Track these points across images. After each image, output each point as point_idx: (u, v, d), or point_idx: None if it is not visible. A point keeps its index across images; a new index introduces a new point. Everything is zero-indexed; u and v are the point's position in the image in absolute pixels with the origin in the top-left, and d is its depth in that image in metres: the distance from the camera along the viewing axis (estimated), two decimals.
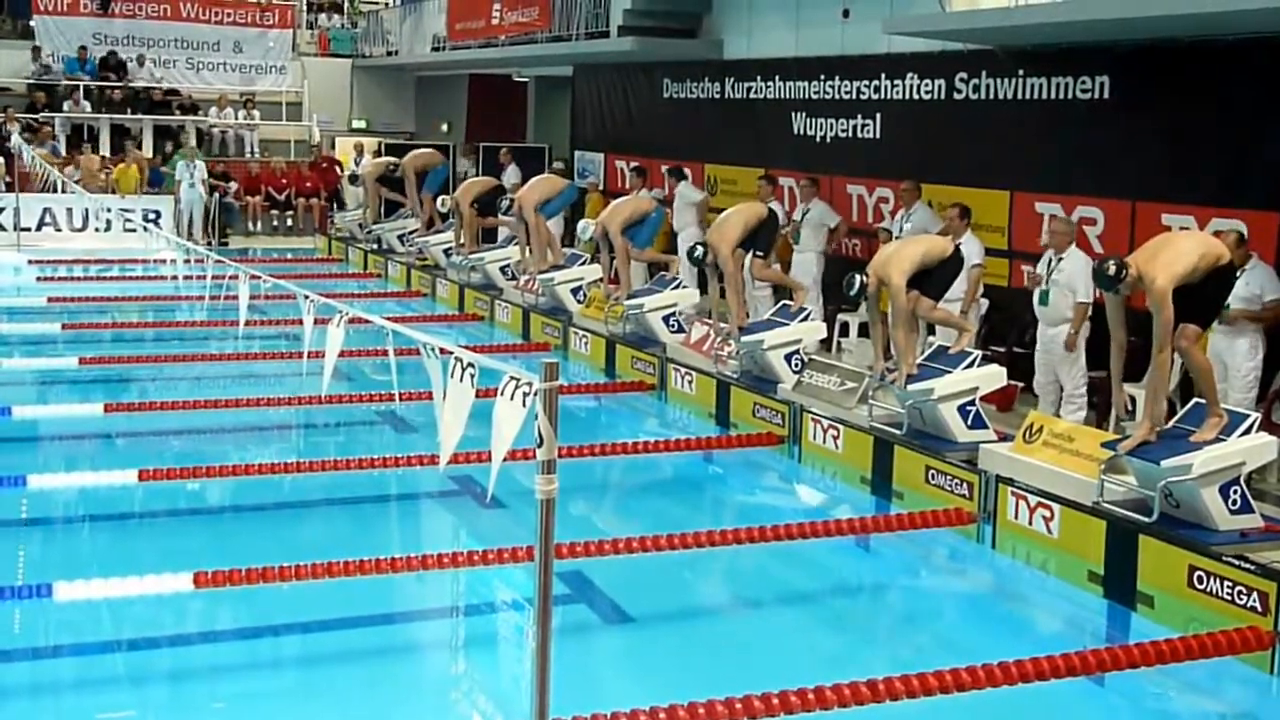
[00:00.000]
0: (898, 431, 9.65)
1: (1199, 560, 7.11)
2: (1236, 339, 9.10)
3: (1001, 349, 11.61)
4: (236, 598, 6.95)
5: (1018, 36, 11.76)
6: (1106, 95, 11.48)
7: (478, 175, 21.37)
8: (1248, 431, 7.78)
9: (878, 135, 14.31)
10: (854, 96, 14.59)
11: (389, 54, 27.67)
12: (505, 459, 4.46)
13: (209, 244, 20.86)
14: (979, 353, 9.92)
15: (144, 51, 26.69)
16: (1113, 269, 7.75)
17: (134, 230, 17.98)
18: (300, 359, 9.18)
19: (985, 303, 11.92)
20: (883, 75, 14.10)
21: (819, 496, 10.13)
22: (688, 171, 16.57)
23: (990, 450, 9.07)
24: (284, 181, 24.94)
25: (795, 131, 15.56)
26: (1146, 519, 7.64)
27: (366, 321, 7.07)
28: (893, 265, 9.75)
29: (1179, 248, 7.88)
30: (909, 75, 13.75)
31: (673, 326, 13.21)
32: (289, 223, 24.95)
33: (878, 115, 14.28)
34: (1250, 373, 9.02)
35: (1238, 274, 8.89)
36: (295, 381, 11.56)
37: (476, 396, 4.76)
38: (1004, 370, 9.96)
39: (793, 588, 8.26)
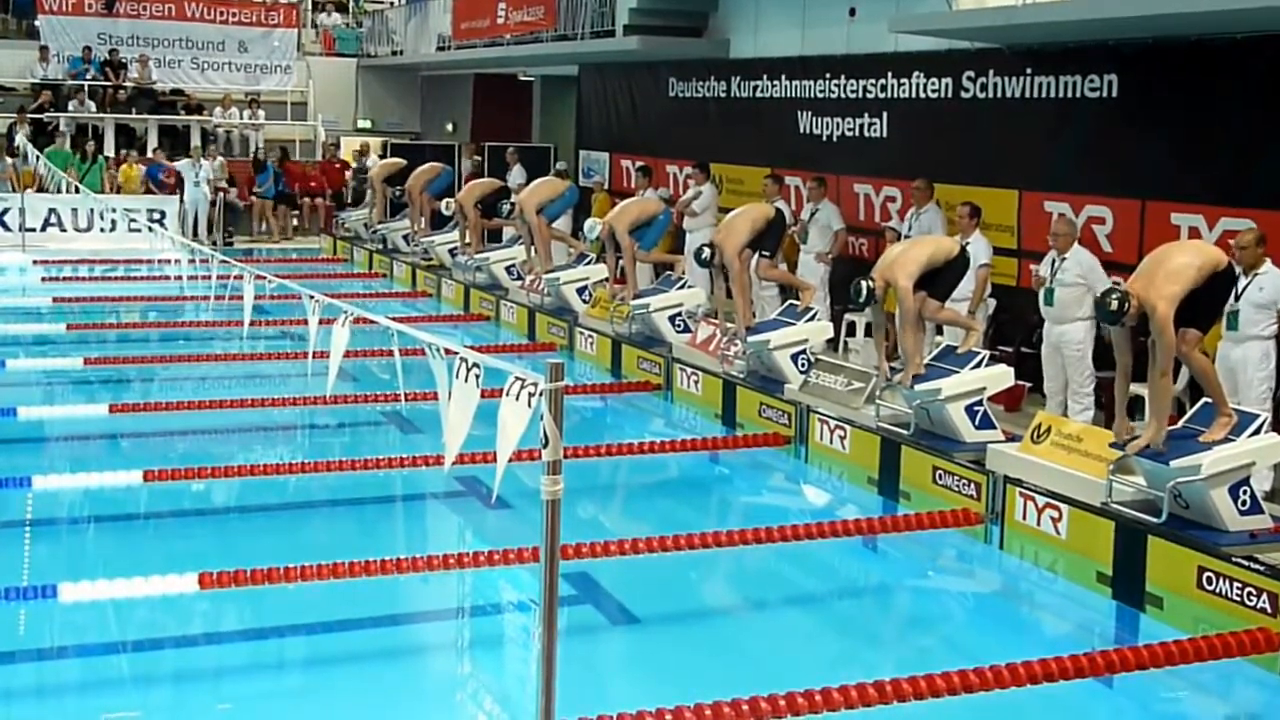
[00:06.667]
0: (905, 432, 9.62)
1: (1208, 561, 7.08)
2: (1249, 349, 8.93)
3: (1009, 349, 11.58)
4: (241, 599, 6.94)
5: (1025, 35, 11.73)
6: (1115, 94, 11.45)
7: (482, 175, 21.42)
8: (1257, 432, 7.74)
9: (884, 134, 14.29)
10: (860, 95, 14.56)
11: (394, 53, 27.68)
12: (511, 459, 4.45)
13: (214, 244, 20.85)
14: (986, 353, 9.89)
15: (148, 51, 26.67)
16: (1115, 304, 7.70)
17: (139, 231, 17.99)
18: (305, 359, 9.16)
19: (993, 302, 11.88)
20: (889, 74, 14.08)
21: (826, 497, 10.10)
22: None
23: (998, 450, 9.03)
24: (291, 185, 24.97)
25: (801, 131, 15.54)
26: (1155, 520, 7.60)
27: (371, 322, 7.05)
28: (899, 268, 9.71)
29: (1173, 264, 7.79)
30: (916, 74, 13.72)
31: (679, 326, 13.18)
32: (294, 222, 24.96)
33: (884, 114, 14.25)
34: (1263, 383, 8.87)
35: (1250, 278, 8.84)
36: (300, 382, 11.55)
37: (482, 397, 4.74)
38: (1011, 370, 9.92)
39: (799, 589, 8.24)
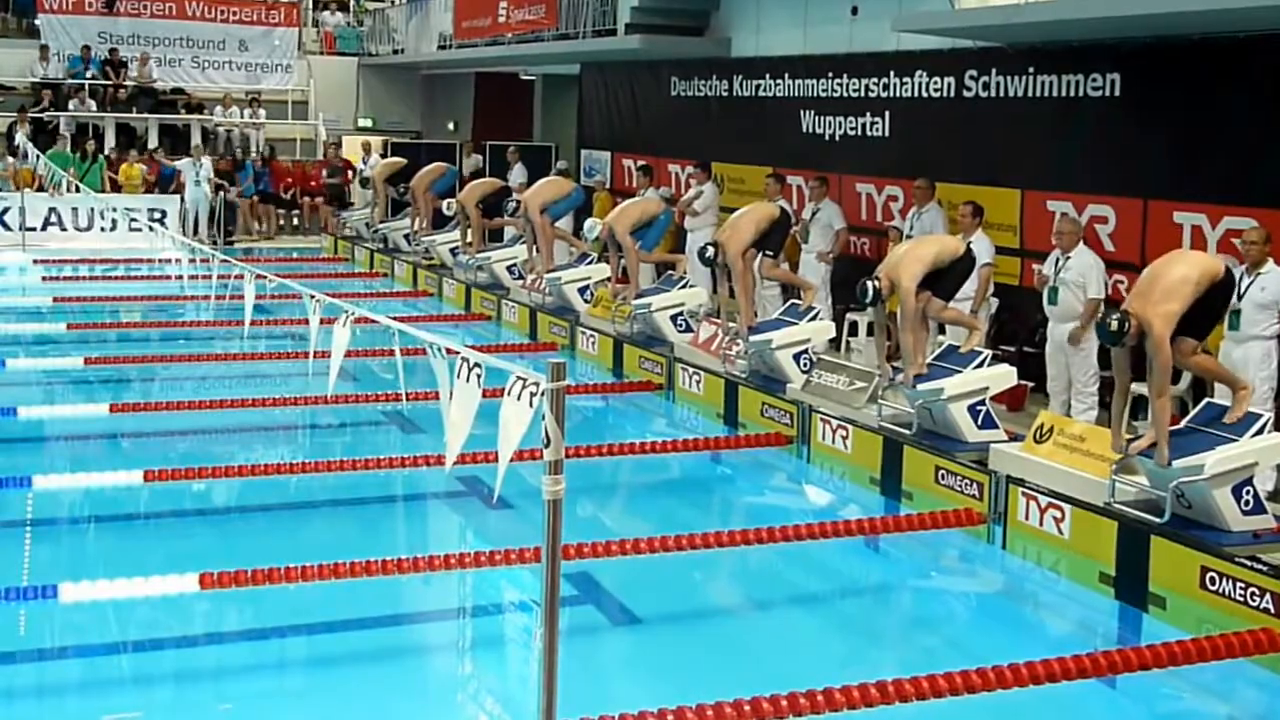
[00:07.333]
0: (907, 431, 9.60)
1: (1211, 561, 7.07)
2: (1250, 348, 8.90)
3: (1012, 348, 11.56)
4: (242, 599, 6.93)
5: (1027, 34, 11.70)
6: (1117, 93, 11.42)
7: (485, 173, 21.41)
8: (1260, 432, 7.72)
9: (887, 133, 14.26)
10: (863, 94, 14.54)
11: (395, 52, 27.66)
12: (512, 459, 4.43)
13: (214, 244, 20.83)
14: (989, 352, 9.87)
15: (149, 50, 26.65)
16: (1115, 324, 7.68)
17: (139, 230, 17.98)
18: (306, 359, 9.15)
19: (995, 302, 11.87)
20: (892, 73, 14.05)
21: (828, 497, 10.09)
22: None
23: (1000, 450, 9.02)
24: (289, 180, 24.92)
25: (804, 130, 15.52)
26: (1158, 520, 7.59)
27: (372, 321, 7.03)
28: (904, 268, 9.69)
29: (1170, 280, 7.76)
30: (918, 73, 13.70)
31: (680, 326, 13.16)
32: (295, 222, 24.96)
33: (887, 113, 14.23)
34: (1265, 382, 8.84)
35: (1253, 278, 8.82)
36: (301, 381, 11.54)
37: (483, 396, 4.72)
38: (1014, 370, 9.90)
39: (801, 589, 8.22)
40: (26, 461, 9.34)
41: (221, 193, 23.09)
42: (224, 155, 24.84)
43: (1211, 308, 7.96)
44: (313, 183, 25.12)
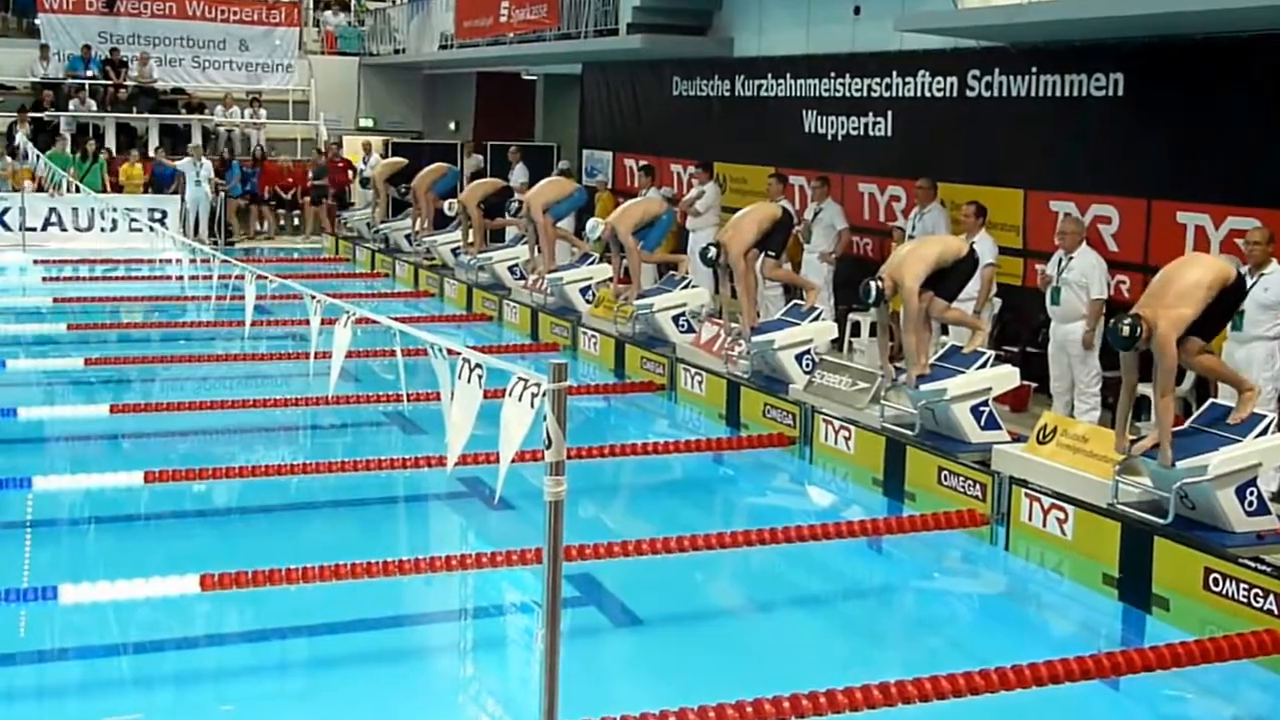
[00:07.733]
0: (910, 432, 9.59)
1: (1215, 562, 7.06)
2: (1253, 349, 8.88)
3: (1015, 349, 11.54)
4: (243, 600, 6.91)
5: (1030, 34, 11.69)
6: (1120, 93, 11.40)
7: (487, 173, 21.39)
8: (1264, 432, 7.70)
9: (889, 133, 14.24)
10: (865, 94, 14.52)
11: (396, 52, 27.65)
12: (514, 460, 4.42)
13: (215, 244, 20.81)
14: (992, 353, 9.86)
15: (149, 50, 26.63)
16: (1127, 330, 7.66)
17: (140, 230, 17.97)
18: (307, 359, 9.13)
19: (998, 302, 11.85)
20: (894, 73, 14.03)
21: (830, 498, 10.07)
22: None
23: (1003, 451, 9.00)
24: (290, 180, 24.87)
25: (806, 130, 15.50)
26: (1162, 521, 7.58)
27: (374, 322, 7.02)
28: (906, 268, 9.67)
29: (1183, 284, 7.75)
30: (921, 73, 13.68)
31: (682, 326, 13.14)
32: (295, 222, 24.94)
33: (889, 113, 14.21)
34: (1269, 383, 8.82)
35: (1256, 278, 8.80)
36: (302, 382, 11.51)
37: (485, 397, 4.70)
38: (1017, 370, 9.89)
39: (804, 590, 8.20)
40: (27, 462, 9.34)
41: (223, 194, 23.07)
42: (221, 155, 24.83)
43: (1222, 311, 7.94)
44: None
